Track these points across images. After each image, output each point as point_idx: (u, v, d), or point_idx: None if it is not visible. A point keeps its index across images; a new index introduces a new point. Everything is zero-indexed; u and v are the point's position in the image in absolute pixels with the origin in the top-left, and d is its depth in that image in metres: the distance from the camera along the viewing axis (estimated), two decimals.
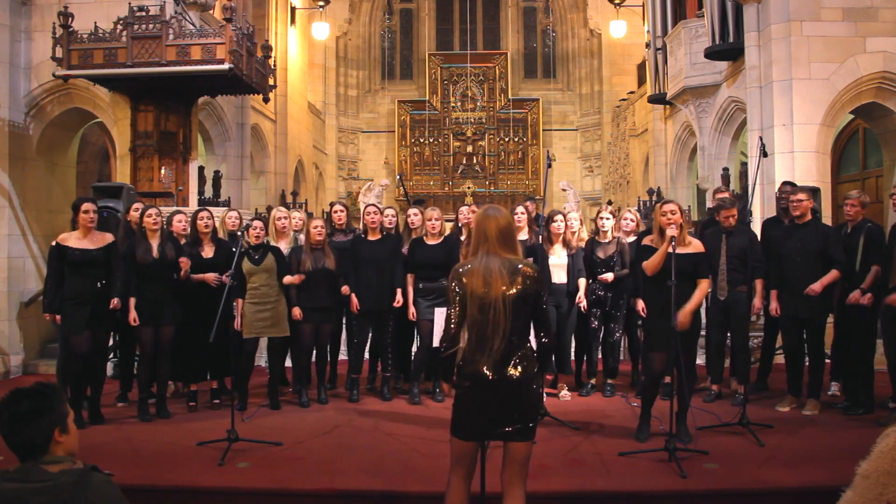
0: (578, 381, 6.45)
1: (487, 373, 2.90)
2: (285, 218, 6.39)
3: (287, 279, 5.79)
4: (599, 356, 6.48)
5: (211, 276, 5.74)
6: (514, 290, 2.93)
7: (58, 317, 5.36)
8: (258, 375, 6.54)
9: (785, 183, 6.46)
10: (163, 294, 5.56)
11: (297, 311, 5.82)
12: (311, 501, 3.95)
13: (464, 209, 6.64)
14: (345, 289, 5.97)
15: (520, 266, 2.98)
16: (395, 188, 17.26)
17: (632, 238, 6.27)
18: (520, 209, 6.28)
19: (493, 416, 2.93)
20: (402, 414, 5.60)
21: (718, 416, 5.17)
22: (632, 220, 6.44)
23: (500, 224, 3.02)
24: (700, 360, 6.06)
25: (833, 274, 5.42)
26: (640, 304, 5.76)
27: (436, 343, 5.42)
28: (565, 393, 6.10)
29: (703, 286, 4.69)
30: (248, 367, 6.00)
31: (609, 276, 6.08)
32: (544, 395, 5.40)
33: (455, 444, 3.03)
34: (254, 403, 5.91)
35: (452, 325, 3.00)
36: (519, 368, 2.92)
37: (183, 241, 5.88)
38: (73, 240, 5.36)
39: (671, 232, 4.48)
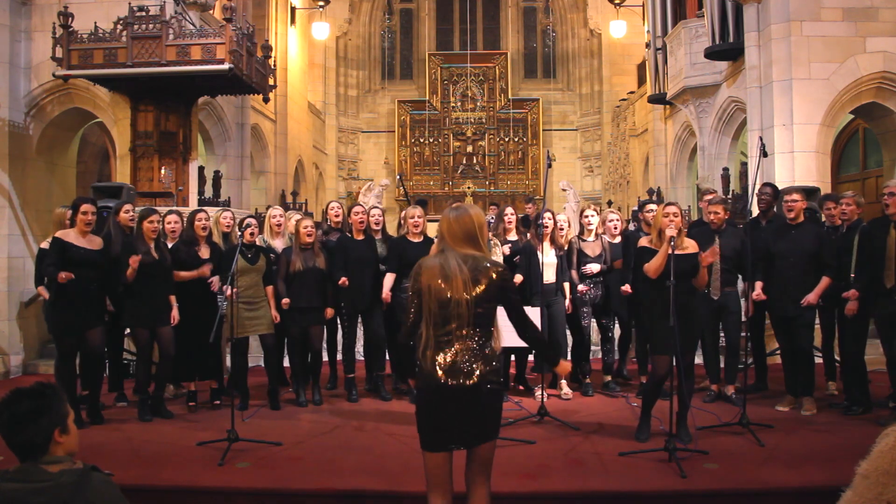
0: (575, 380, 6.45)
1: (444, 377, 2.78)
2: (281, 216, 6.41)
3: (269, 292, 5.81)
4: (596, 356, 6.52)
5: (206, 270, 5.72)
6: (477, 287, 2.81)
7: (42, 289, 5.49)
8: (259, 375, 6.54)
9: (765, 184, 6.47)
10: (160, 295, 5.55)
11: (286, 301, 5.81)
12: (311, 501, 3.95)
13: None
14: (343, 280, 5.97)
15: (485, 263, 2.86)
16: (395, 188, 17.26)
17: (618, 240, 6.37)
18: (509, 210, 6.46)
19: (454, 423, 2.80)
20: (401, 414, 5.60)
21: (718, 416, 5.18)
22: (617, 220, 6.48)
23: (462, 222, 2.89)
24: (698, 359, 6.06)
25: (825, 282, 5.44)
26: (626, 287, 5.86)
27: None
28: (567, 391, 6.10)
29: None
30: (243, 366, 6.00)
31: (596, 267, 6.17)
32: (544, 395, 5.41)
33: (427, 459, 2.89)
34: (254, 404, 5.91)
35: (411, 318, 2.91)
36: (478, 372, 2.79)
37: (171, 242, 5.87)
38: (72, 237, 5.31)
39: (670, 232, 4.48)
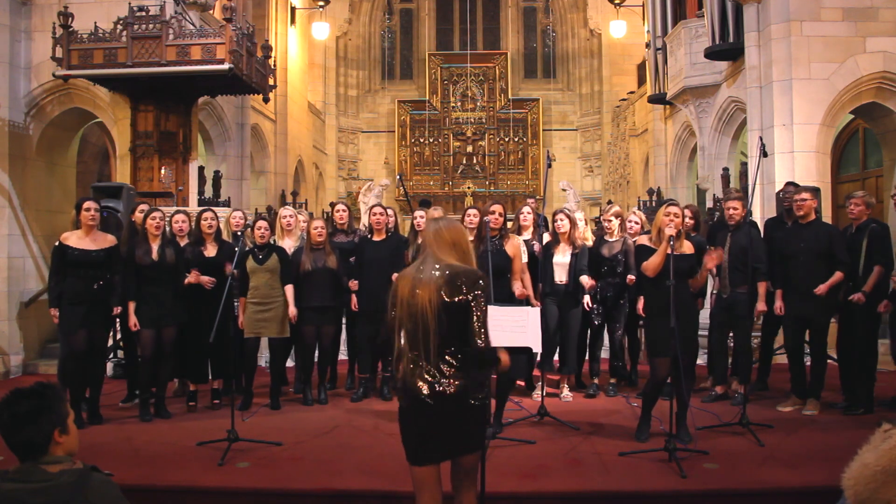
0: (579, 381, 6.45)
1: (424, 390, 2.71)
2: (291, 216, 6.41)
3: (288, 291, 5.79)
4: (602, 356, 6.50)
5: (206, 279, 5.72)
6: (444, 296, 2.70)
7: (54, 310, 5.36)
8: (259, 375, 6.54)
9: (788, 183, 6.46)
10: (163, 296, 5.55)
11: (293, 311, 5.82)
12: (311, 501, 3.95)
13: (471, 211, 6.57)
14: (352, 283, 5.98)
15: (460, 270, 2.75)
16: (395, 188, 17.26)
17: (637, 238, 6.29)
18: (525, 209, 6.29)
19: (438, 437, 2.75)
20: None
21: (718, 416, 5.17)
22: (637, 222, 6.44)
23: (444, 234, 2.84)
24: (700, 360, 6.05)
25: (837, 276, 5.42)
26: (640, 304, 5.78)
27: None
28: (567, 393, 6.10)
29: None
30: (251, 366, 6.00)
31: (587, 281, 5.93)
32: (544, 395, 5.41)
33: (414, 472, 2.83)
34: (254, 403, 5.91)
35: (391, 332, 2.84)
36: (456, 383, 2.71)
37: (184, 242, 5.87)
38: (74, 239, 5.35)
39: (669, 231, 4.48)
